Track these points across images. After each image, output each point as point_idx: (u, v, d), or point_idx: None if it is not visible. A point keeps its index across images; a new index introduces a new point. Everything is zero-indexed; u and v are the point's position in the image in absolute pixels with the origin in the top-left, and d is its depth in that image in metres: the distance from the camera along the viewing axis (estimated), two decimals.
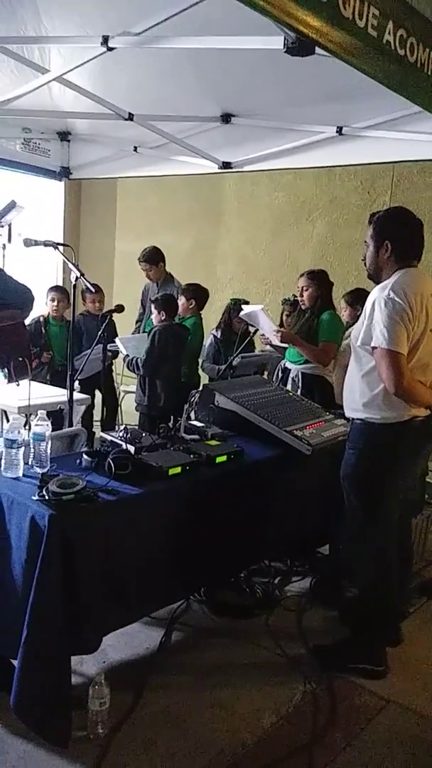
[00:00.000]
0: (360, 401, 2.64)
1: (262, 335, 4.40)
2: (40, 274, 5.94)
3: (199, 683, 2.64)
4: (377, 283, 2.63)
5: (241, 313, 4.39)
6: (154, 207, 6.97)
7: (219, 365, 4.61)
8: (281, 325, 4.69)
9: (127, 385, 5.67)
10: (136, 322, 5.44)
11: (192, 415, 3.38)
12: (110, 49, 3.11)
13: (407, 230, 2.65)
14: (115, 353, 4.85)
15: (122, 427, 2.81)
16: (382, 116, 3.96)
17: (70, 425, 3.54)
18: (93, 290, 3.97)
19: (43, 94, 4.09)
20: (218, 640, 2.95)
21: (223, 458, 2.78)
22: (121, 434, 2.71)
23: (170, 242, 5.83)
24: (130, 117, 4.26)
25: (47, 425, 2.44)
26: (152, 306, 4.59)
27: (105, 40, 3.08)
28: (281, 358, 4.40)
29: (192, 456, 2.69)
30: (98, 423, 4.77)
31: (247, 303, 4.62)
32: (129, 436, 2.69)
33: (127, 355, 4.54)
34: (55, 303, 5.03)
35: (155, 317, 4.54)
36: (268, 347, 4.61)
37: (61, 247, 3.67)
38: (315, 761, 2.27)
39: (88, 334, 4.89)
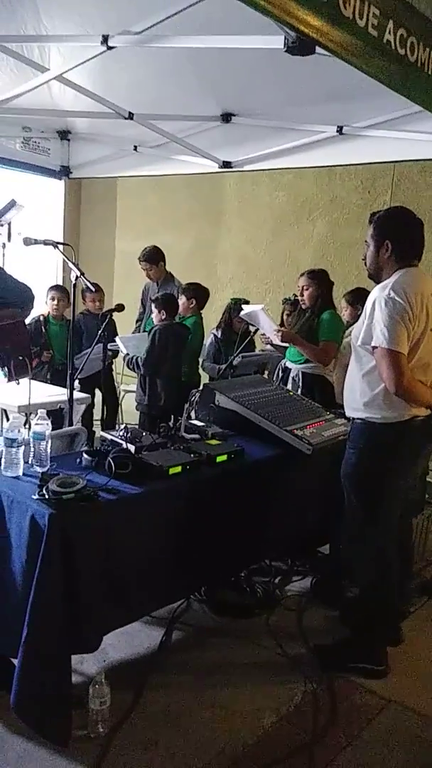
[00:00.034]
0: (360, 401, 2.64)
1: (263, 335, 4.40)
2: (40, 273, 5.94)
3: (200, 683, 2.64)
4: (378, 282, 2.63)
5: (242, 312, 4.39)
6: (154, 206, 6.97)
7: (219, 365, 4.60)
8: (282, 324, 4.68)
9: (128, 384, 5.67)
10: (137, 322, 5.43)
11: (192, 414, 3.37)
12: (110, 48, 3.11)
13: (408, 230, 2.65)
14: (116, 352, 4.85)
15: (122, 427, 2.81)
16: (383, 116, 3.97)
17: (71, 424, 3.54)
18: (93, 289, 3.98)
19: (43, 93, 4.09)
20: (218, 639, 2.95)
21: (224, 458, 2.77)
22: (121, 433, 2.71)
23: (170, 242, 5.83)
24: (130, 116, 4.26)
25: (47, 424, 2.44)
26: (152, 305, 4.58)
27: (105, 39, 3.08)
28: (281, 357, 4.39)
29: (192, 455, 2.68)
30: (98, 422, 4.76)
31: (247, 302, 4.62)
32: (129, 435, 2.69)
33: (128, 354, 4.54)
34: (55, 302, 5.03)
35: (155, 316, 4.53)
36: (268, 347, 4.61)
37: (61, 246, 3.66)
38: (315, 761, 2.27)
39: (88, 334, 4.89)
